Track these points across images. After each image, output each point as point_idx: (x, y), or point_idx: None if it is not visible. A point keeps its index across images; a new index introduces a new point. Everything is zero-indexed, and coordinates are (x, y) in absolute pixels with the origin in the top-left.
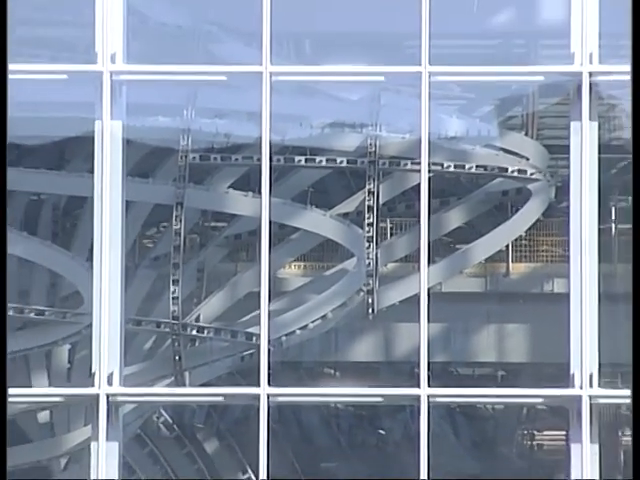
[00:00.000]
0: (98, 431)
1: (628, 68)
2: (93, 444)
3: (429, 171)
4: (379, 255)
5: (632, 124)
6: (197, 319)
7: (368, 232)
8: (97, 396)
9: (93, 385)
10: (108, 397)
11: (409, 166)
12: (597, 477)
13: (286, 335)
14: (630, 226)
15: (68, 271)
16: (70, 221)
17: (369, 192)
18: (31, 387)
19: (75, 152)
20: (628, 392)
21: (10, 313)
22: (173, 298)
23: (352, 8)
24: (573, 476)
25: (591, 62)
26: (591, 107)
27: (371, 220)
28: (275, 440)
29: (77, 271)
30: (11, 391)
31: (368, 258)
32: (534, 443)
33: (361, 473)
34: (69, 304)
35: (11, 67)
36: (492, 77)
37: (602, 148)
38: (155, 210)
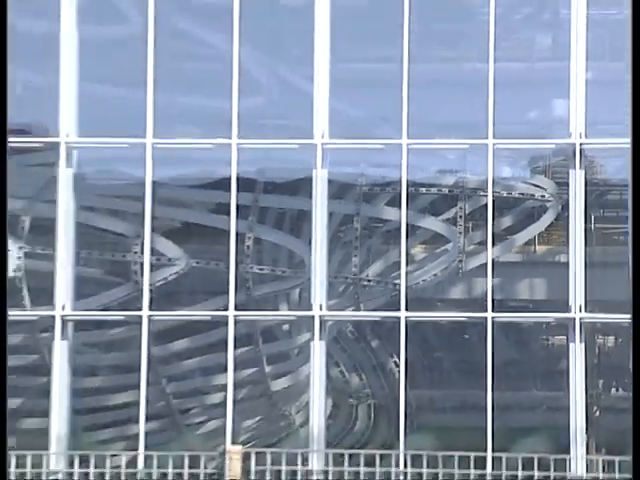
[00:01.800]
0: (314, 335)
1: (603, 140)
2: (311, 342)
3: (493, 196)
4: (465, 241)
5: (631, 127)
6: (367, 275)
7: (459, 229)
8: (313, 316)
9: (311, 310)
10: (320, 317)
11: (482, 193)
12: (583, 360)
13: (415, 284)
14: (605, 225)
15: (298, 249)
16: (300, 222)
17: (460, 207)
18: (278, 311)
19: (303, 186)
20: (599, 315)
21: (267, 272)
22: (354, 265)
23: (453, 105)
24: (571, 358)
25: (581, 137)
26: (581, 162)
27: (461, 222)
28: (408, 340)
29: (303, 249)
30: (266, 312)
31: (459, 243)
32: (549, 342)
33: (454, 357)
34: (298, 267)
35: (268, 141)
36: (528, 145)
37: (586, 184)
38: (344, 217)
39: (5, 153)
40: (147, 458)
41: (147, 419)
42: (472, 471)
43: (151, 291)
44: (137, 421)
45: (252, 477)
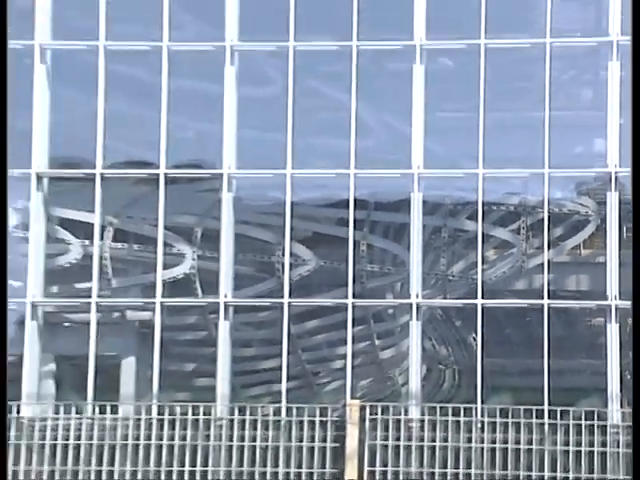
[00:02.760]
0: (412, 317)
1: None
2: (410, 323)
3: (548, 212)
4: (526, 246)
5: (632, 125)
6: (452, 272)
7: (522, 237)
8: (411, 303)
9: (410, 298)
10: (416, 304)
11: (539, 210)
12: (617, 337)
13: (488, 279)
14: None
15: (400, 252)
16: (401, 232)
17: (522, 221)
18: (385, 299)
19: (404, 205)
20: (630, 302)
21: (376, 270)
22: (442, 264)
23: (518, 143)
24: (608, 335)
25: (615, 167)
26: (615, 186)
27: (523, 232)
28: (483, 321)
29: (404, 252)
30: (376, 300)
31: (522, 248)
32: (591, 323)
33: (519, 334)
34: (400, 266)
35: (377, 171)
36: (575, 174)
37: (620, 203)
38: (434, 228)
39: (6, 157)
40: (288, 409)
41: (288, 379)
42: (534, 420)
43: (290, 284)
44: (280, 381)
45: (366, 424)
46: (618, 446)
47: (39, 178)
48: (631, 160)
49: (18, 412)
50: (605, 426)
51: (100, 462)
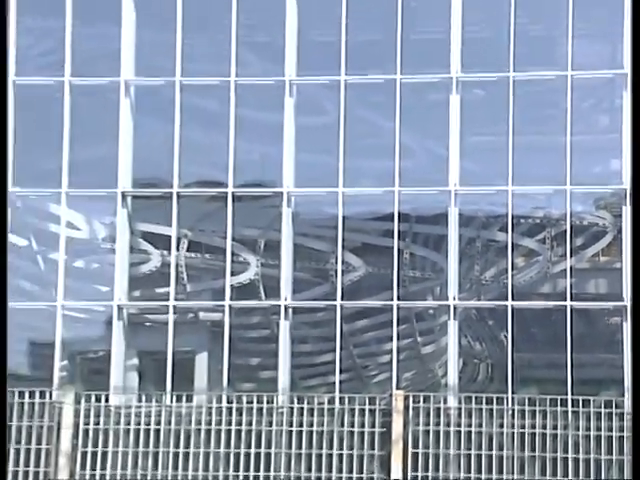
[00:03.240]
0: (450, 317)
1: None
2: (448, 322)
3: (570, 224)
4: (551, 254)
5: (632, 125)
6: (485, 277)
7: (547, 246)
8: (449, 305)
9: (448, 300)
10: (454, 305)
11: (562, 222)
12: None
13: (518, 283)
14: None
15: (439, 260)
16: (440, 242)
17: (547, 232)
18: (426, 301)
19: (442, 218)
20: None
21: (418, 275)
22: (476, 270)
23: (543, 163)
24: (624, 332)
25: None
26: (630, 200)
27: (548, 242)
28: (513, 320)
29: (442, 260)
30: (418, 302)
31: (547, 255)
32: (610, 322)
33: (545, 332)
34: (439, 272)
35: (418, 189)
36: (594, 190)
37: (633, 214)
38: (469, 239)
39: (5, 153)
40: (341, 398)
41: (340, 372)
42: (559, 408)
43: (342, 288)
44: (334, 373)
45: (410, 411)
46: None
47: (124, 197)
48: (631, 162)
49: (107, 401)
50: (622, 413)
51: (177, 445)
